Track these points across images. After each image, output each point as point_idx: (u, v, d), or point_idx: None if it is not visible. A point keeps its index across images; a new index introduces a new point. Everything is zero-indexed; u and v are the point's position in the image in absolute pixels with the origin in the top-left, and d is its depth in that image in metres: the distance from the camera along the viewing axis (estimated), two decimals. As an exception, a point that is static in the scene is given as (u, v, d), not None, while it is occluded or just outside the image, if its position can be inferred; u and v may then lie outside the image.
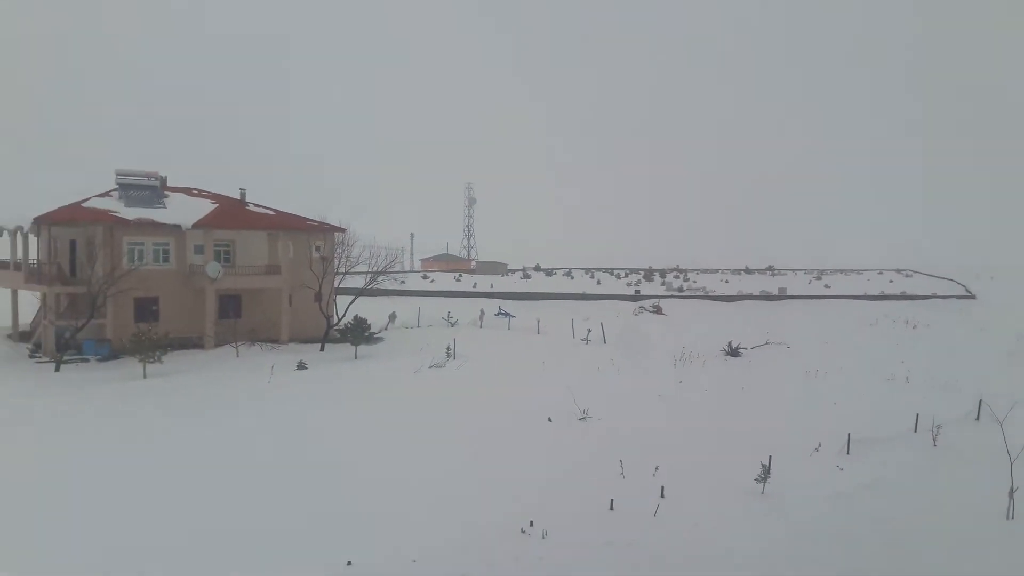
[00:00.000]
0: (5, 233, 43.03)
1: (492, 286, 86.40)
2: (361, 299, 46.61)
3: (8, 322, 43.63)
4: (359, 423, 21.92)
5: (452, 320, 50.55)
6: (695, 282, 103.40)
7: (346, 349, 39.09)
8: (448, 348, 36.24)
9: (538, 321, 49.56)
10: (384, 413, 23.26)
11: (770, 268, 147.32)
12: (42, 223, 39.17)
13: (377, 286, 48.36)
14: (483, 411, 23.49)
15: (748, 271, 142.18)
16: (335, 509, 14.18)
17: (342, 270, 46.08)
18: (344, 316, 43.23)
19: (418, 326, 50.17)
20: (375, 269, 48.37)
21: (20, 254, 41.38)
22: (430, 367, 32.83)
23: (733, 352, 39.31)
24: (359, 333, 38.87)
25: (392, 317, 50.92)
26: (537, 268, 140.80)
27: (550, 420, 21.89)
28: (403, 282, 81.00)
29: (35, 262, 41.49)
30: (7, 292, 43.82)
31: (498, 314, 53.55)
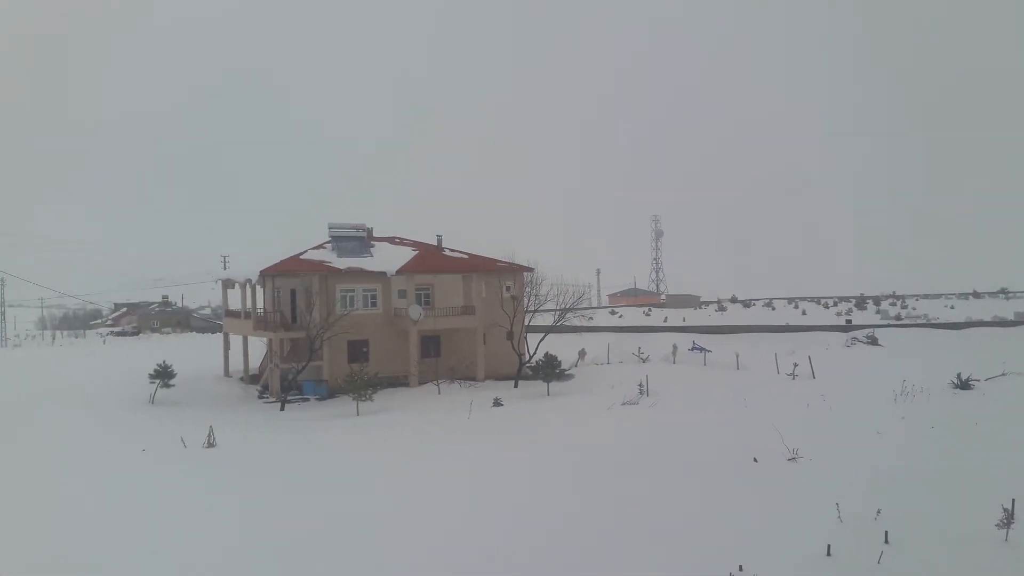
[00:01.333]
0: (236, 285, 49.40)
1: (684, 320, 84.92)
2: (551, 336, 47.96)
3: (241, 366, 49.68)
4: (561, 462, 22.56)
5: (643, 356, 50.43)
6: (914, 309, 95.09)
7: (538, 386, 40.38)
8: (640, 384, 36.29)
9: (737, 356, 48.11)
10: (584, 451, 23.80)
11: (1003, 291, 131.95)
12: (267, 275, 44.49)
13: (566, 323, 49.56)
14: (681, 450, 23.35)
15: (977, 295, 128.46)
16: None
17: (531, 308, 47.80)
18: (535, 353, 44.71)
19: (608, 362, 50.57)
20: (563, 306, 49.67)
21: (249, 304, 47.25)
22: (623, 404, 33.07)
23: (963, 385, 35.76)
24: (550, 370, 40.04)
25: (582, 354, 51.78)
26: (733, 300, 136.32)
27: (756, 460, 21.33)
28: (591, 318, 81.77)
29: (262, 311, 47.11)
30: (239, 338, 50.11)
31: (692, 349, 52.61)
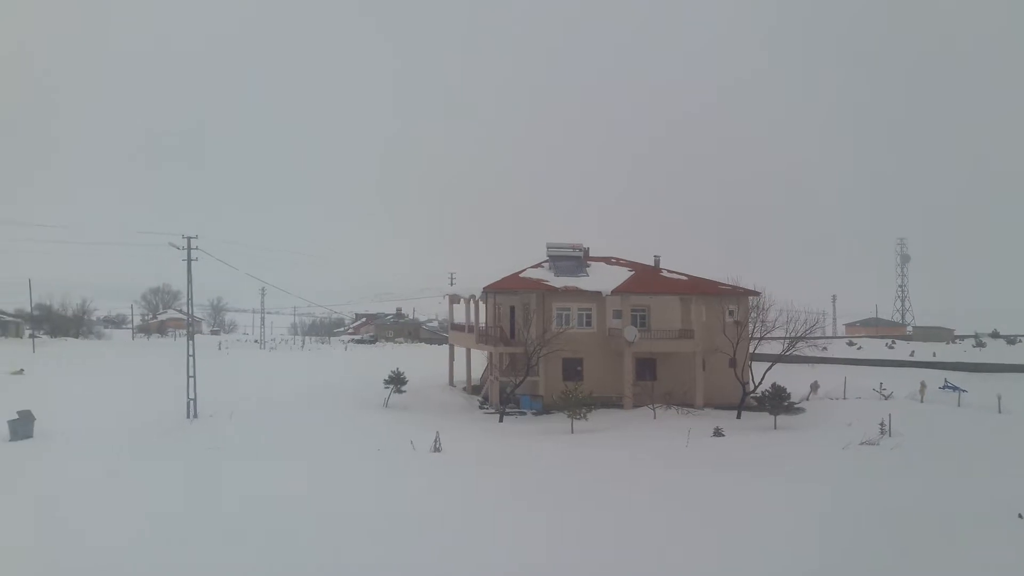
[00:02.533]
0: (462, 301, 52.46)
1: (934, 355, 76.67)
2: (778, 366, 45.49)
3: (464, 376, 52.57)
4: (803, 501, 21.16)
5: (885, 393, 46.20)
6: None
7: (763, 418, 38.46)
8: (882, 424, 33.27)
9: (998, 398, 42.52)
10: (821, 492, 22.22)
11: None
12: (489, 292, 46.74)
13: (796, 352, 46.75)
14: (932, 502, 21.03)
15: None
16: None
17: (757, 335, 45.69)
18: (760, 383, 42.66)
19: (844, 397, 46.95)
20: (793, 334, 46.91)
21: (472, 318, 49.94)
22: (860, 444, 30.51)
23: None
24: (778, 402, 37.98)
25: (814, 387, 48.60)
26: (995, 335, 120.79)
27: (1021, 516, 18.68)
28: (825, 348, 76.61)
29: (484, 326, 49.54)
30: (463, 350, 53.11)
31: (944, 387, 47.34)
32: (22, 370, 60.43)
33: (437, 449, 29.30)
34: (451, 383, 53.90)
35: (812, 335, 51.54)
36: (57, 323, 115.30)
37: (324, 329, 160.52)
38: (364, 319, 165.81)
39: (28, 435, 31.27)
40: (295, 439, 31.12)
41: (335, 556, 15.45)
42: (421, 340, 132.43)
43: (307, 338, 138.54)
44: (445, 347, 65.69)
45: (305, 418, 36.82)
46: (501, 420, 40.05)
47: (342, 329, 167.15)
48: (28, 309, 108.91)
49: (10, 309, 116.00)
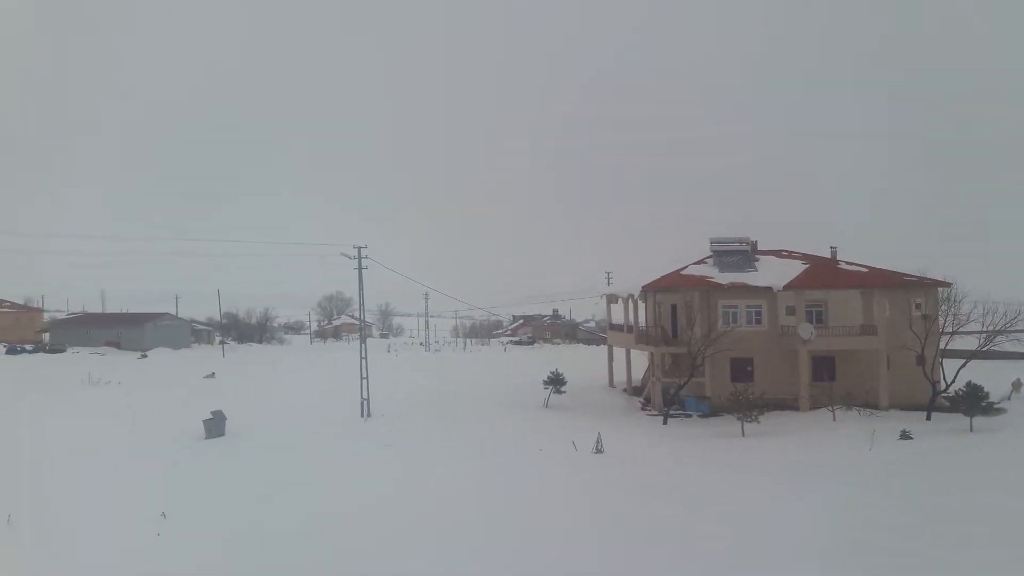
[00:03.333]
0: (619, 300, 51.88)
1: None
2: (974, 363, 41.36)
3: (624, 377, 51.97)
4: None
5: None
6: None
7: (957, 420, 35.13)
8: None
9: None
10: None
11: None
12: (648, 290, 45.84)
13: (995, 348, 42.28)
14: None
15: None
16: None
17: (948, 329, 41.76)
18: (953, 382, 38.97)
19: (1054, 398, 41.99)
20: (991, 328, 42.44)
21: (631, 318, 49.21)
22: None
23: None
24: (974, 402, 34.51)
25: (1016, 385, 43.98)
26: None
27: None
28: (1029, 344, 68.82)
29: (643, 325, 48.66)
30: (622, 351, 52.52)
31: None
32: (213, 374, 66.49)
33: (599, 450, 29.09)
34: (611, 384, 53.46)
35: (1014, 328, 46.45)
36: (243, 330, 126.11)
37: (484, 331, 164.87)
38: (522, 321, 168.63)
39: (220, 433, 34.23)
40: (460, 438, 31.98)
41: (494, 552, 15.66)
42: (578, 341, 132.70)
43: (468, 340, 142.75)
44: (603, 348, 65.29)
45: (468, 417, 37.82)
46: (665, 422, 39.16)
47: (500, 331, 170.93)
48: (218, 318, 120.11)
49: (202, 318, 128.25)
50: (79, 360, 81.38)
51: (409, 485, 23.13)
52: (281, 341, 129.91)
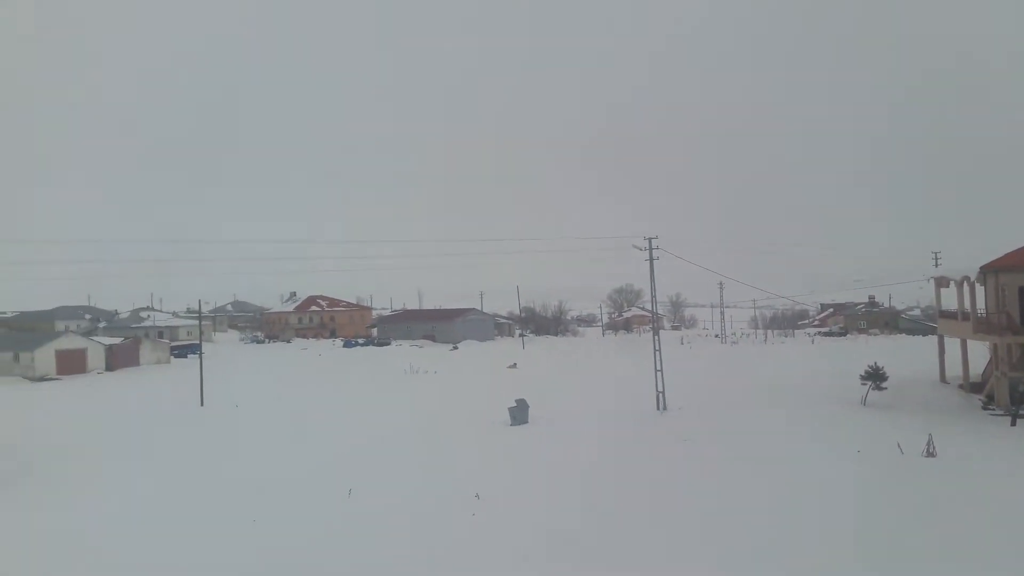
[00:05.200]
0: (951, 283, 46.01)
1: None
2: None
3: (958, 372, 46.10)
4: None
5: None
6: None
7: None
8: None
9: None
10: None
11: None
12: (989, 270, 40.14)
13: None
14: None
15: None
16: None
17: None
18: None
19: None
20: None
21: (967, 304, 43.44)
22: None
23: None
24: None
25: None
26: None
27: None
28: None
29: (983, 312, 42.72)
30: (956, 341, 46.55)
31: None
32: (515, 364, 71.24)
33: (931, 454, 26.19)
34: (943, 379, 47.66)
35: None
36: (540, 323, 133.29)
37: (786, 322, 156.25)
38: (831, 309, 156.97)
39: (524, 421, 36.61)
40: (761, 437, 30.73)
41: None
42: (900, 331, 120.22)
43: (768, 331, 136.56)
44: (931, 338, 58.44)
45: (770, 414, 36.22)
46: (1013, 424, 34.08)
47: (806, 321, 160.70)
48: (517, 311, 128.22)
49: (504, 312, 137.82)
50: (401, 352, 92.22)
51: (708, 485, 22.81)
52: (575, 333, 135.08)
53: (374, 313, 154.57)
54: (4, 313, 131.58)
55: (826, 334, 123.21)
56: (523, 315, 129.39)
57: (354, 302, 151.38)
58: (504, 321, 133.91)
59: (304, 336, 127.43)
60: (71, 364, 71.18)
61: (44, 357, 69.42)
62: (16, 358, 69.65)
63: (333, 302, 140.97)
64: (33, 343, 72.11)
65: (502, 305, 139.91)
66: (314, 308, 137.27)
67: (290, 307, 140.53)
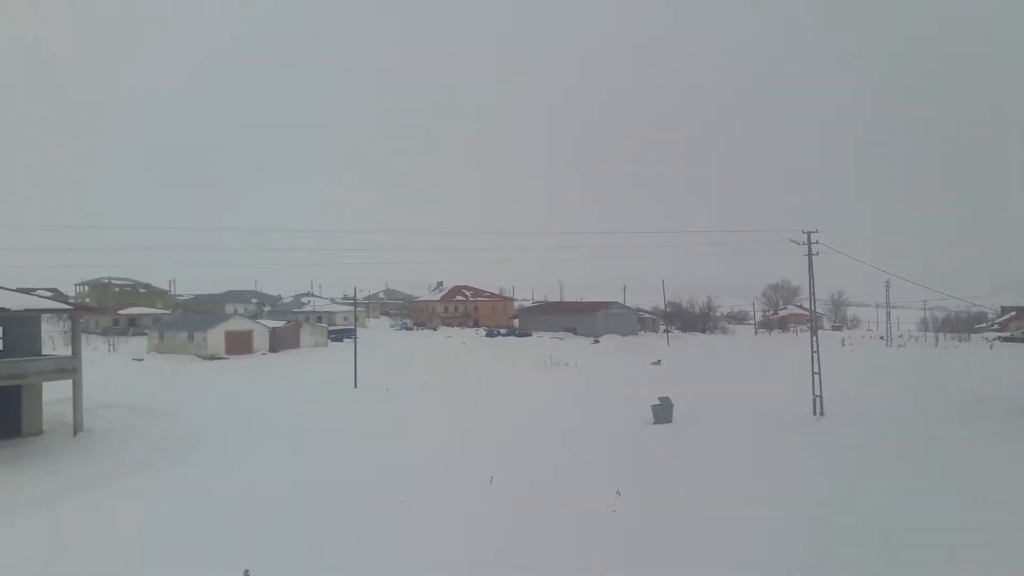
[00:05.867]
0: None
1: None
2: None
3: None
4: None
5: None
6: None
7: None
8: None
9: None
10: None
11: None
12: None
13: None
14: None
15: None
16: None
17: None
18: None
19: None
20: None
21: None
22: None
23: None
24: None
25: None
26: None
27: None
28: None
29: None
30: None
31: None
32: (659, 361, 70.09)
33: None
34: None
35: None
36: (686, 319, 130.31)
37: (961, 325, 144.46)
38: (1013, 312, 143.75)
39: (668, 420, 35.93)
40: (938, 454, 28.13)
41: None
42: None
43: (940, 335, 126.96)
44: None
45: (946, 427, 33.21)
46: None
47: (983, 325, 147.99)
48: (662, 306, 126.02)
49: (648, 307, 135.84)
50: (542, 343, 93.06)
51: (886, 500, 21.38)
52: (724, 331, 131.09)
53: (516, 304, 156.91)
54: (182, 296, 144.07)
55: (1006, 339, 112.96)
56: (668, 310, 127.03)
57: (497, 293, 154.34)
58: (648, 316, 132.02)
59: (449, 324, 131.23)
60: (239, 345, 76.88)
61: (215, 338, 75.36)
62: (190, 338, 76.02)
63: (477, 292, 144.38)
64: (206, 324, 78.46)
65: (646, 299, 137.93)
66: (459, 298, 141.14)
67: (437, 296, 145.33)
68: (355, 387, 49.97)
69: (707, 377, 55.63)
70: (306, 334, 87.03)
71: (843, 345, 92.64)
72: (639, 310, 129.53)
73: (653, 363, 68.86)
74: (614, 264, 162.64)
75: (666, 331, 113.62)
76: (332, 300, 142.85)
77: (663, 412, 36.22)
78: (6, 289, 36.85)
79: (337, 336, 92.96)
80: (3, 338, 34.54)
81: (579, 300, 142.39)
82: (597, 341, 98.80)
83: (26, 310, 33.04)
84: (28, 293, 41.78)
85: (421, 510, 20.48)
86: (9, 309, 31.16)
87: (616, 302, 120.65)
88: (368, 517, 19.95)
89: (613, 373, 60.72)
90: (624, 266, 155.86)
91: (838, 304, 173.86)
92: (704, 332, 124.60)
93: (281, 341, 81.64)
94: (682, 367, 65.03)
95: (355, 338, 57.59)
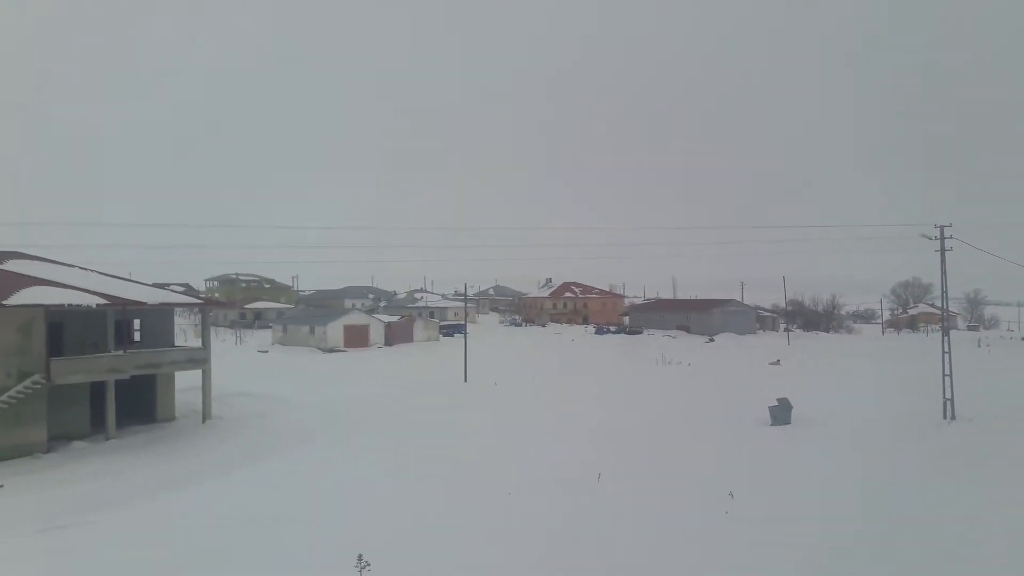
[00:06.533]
0: None
1: None
2: None
3: None
4: None
5: None
6: None
7: None
8: None
9: None
10: None
11: None
12: None
13: None
14: None
15: None
16: None
17: None
18: None
19: None
20: None
21: None
22: None
23: None
24: None
25: None
26: None
27: None
28: None
29: None
30: None
31: None
32: (779, 361, 67.81)
33: None
34: None
35: None
36: (809, 317, 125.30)
37: None
38: None
39: (786, 421, 34.76)
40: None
41: None
42: None
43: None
44: None
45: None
46: None
47: None
48: (782, 304, 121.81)
49: (767, 304, 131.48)
50: (653, 341, 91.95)
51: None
52: (849, 330, 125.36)
53: (626, 301, 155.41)
54: (303, 291, 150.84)
55: None
56: (789, 308, 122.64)
57: (607, 289, 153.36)
58: (767, 314, 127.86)
59: (558, 321, 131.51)
60: (356, 338, 79.90)
61: (334, 331, 78.61)
62: (311, 331, 79.56)
63: (586, 289, 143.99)
64: (325, 318, 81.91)
65: (766, 297, 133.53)
66: (568, 294, 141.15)
67: (545, 292, 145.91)
68: (465, 381, 50.94)
69: (829, 378, 53.45)
70: (419, 329, 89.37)
71: (979, 346, 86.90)
72: (758, 308, 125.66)
73: (772, 363, 66.76)
74: (732, 261, 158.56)
75: (786, 330, 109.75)
76: (444, 296, 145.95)
77: (781, 413, 35.10)
78: (143, 284, 39.75)
79: (448, 331, 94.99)
80: (140, 330, 37.30)
81: (693, 298, 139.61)
82: (712, 340, 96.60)
83: (161, 304, 35.41)
84: (162, 288, 44.86)
85: (525, 502, 20.75)
86: (146, 303, 33.51)
87: (733, 300, 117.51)
88: (479, 510, 20.37)
89: (728, 372, 59.27)
90: (743, 263, 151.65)
91: (974, 303, 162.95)
92: (827, 331, 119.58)
93: (395, 335, 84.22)
94: (803, 367, 62.75)
95: (465, 333, 58.67)
